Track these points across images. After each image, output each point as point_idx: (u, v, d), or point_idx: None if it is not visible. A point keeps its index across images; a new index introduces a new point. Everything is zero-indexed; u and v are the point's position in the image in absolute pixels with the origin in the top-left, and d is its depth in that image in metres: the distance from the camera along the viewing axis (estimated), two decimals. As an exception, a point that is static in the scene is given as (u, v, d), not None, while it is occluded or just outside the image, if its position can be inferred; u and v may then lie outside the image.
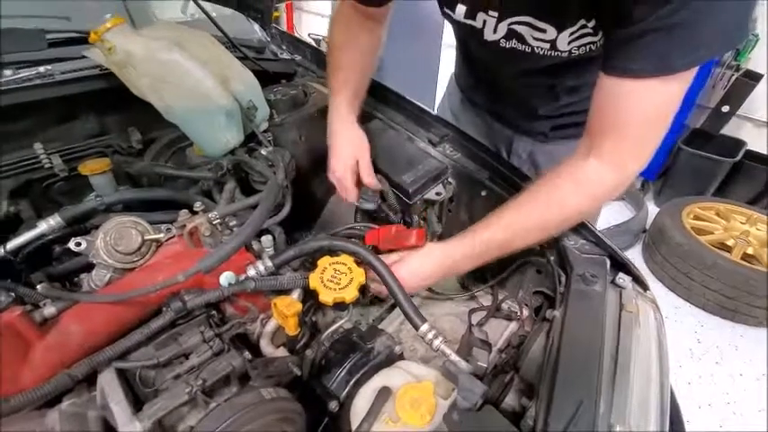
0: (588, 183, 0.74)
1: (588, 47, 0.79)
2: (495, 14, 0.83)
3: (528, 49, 0.85)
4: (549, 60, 0.86)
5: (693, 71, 0.62)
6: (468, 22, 0.88)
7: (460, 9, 0.87)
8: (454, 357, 0.69)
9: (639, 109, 0.67)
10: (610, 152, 0.72)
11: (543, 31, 0.80)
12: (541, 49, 0.83)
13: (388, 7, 0.98)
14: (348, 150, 0.94)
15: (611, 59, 0.66)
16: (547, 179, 0.78)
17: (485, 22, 0.85)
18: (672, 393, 0.71)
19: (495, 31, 0.86)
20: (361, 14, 0.98)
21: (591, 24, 0.74)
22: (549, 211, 0.77)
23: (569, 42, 0.79)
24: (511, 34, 0.85)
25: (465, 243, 0.80)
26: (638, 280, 0.84)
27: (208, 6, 1.19)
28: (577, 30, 0.76)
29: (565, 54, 0.82)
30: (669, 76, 0.61)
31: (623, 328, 0.74)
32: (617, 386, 0.65)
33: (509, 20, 0.82)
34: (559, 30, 0.78)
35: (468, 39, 1.00)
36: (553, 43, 0.81)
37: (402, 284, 0.77)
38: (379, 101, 1.21)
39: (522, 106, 1.14)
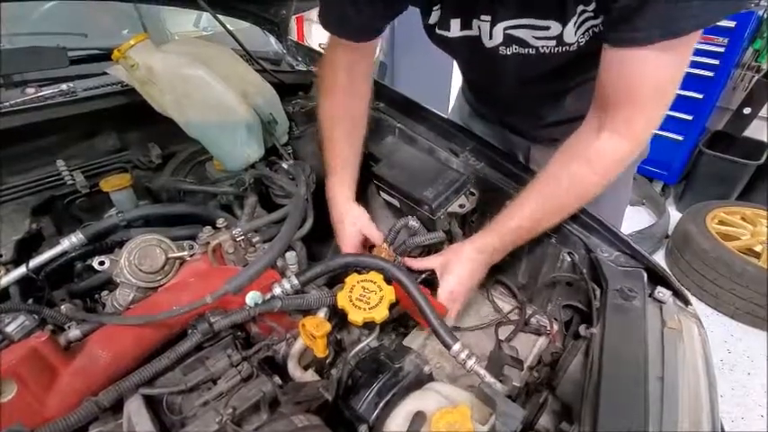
0: (603, 157, 0.76)
1: (592, 30, 0.76)
2: (488, 18, 0.80)
3: (532, 51, 0.82)
4: (555, 61, 0.83)
5: (700, 32, 0.62)
6: (465, 33, 0.86)
7: (455, 25, 0.86)
8: (489, 379, 0.66)
9: (652, 76, 0.67)
10: (624, 124, 0.72)
11: (546, 28, 0.77)
12: (547, 47, 0.80)
13: (376, 42, 0.97)
14: (353, 230, 0.97)
15: (616, 32, 0.66)
16: (562, 163, 0.80)
17: (480, 27, 0.83)
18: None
19: (491, 36, 0.83)
20: (350, 60, 0.96)
21: (591, 8, 0.72)
22: (568, 195, 0.81)
23: (575, 33, 0.76)
24: (509, 40, 0.82)
25: (495, 237, 0.85)
26: (678, 294, 0.80)
27: (225, 20, 1.19)
28: (579, 16, 0.74)
29: (573, 47, 0.78)
30: (677, 39, 0.61)
31: (667, 345, 0.70)
32: (666, 409, 0.61)
33: (503, 23, 0.79)
34: (563, 23, 0.75)
35: (470, 57, 0.95)
36: (559, 38, 0.78)
37: (454, 296, 0.83)
38: (401, 111, 1.19)
39: (528, 117, 1.12)
